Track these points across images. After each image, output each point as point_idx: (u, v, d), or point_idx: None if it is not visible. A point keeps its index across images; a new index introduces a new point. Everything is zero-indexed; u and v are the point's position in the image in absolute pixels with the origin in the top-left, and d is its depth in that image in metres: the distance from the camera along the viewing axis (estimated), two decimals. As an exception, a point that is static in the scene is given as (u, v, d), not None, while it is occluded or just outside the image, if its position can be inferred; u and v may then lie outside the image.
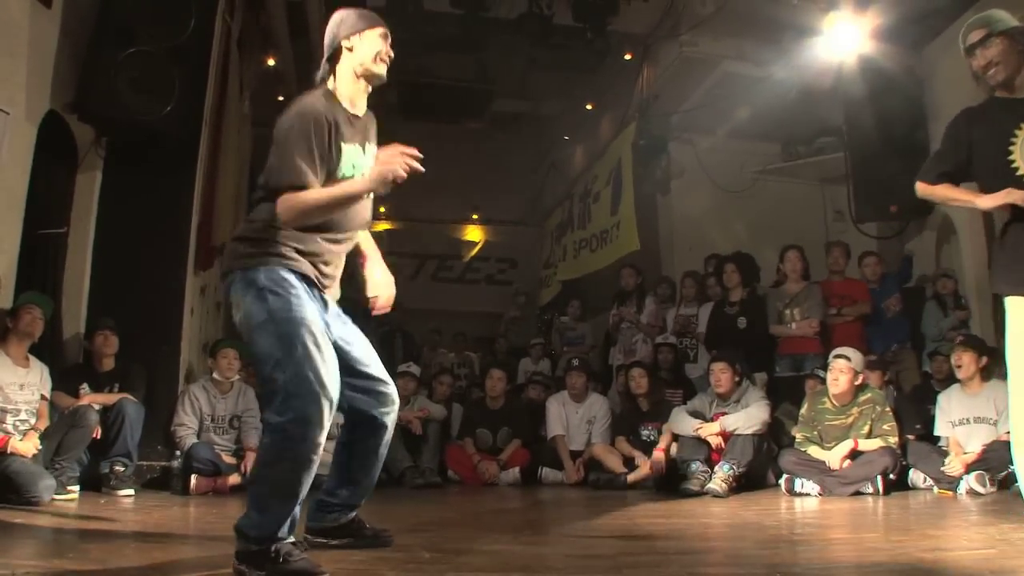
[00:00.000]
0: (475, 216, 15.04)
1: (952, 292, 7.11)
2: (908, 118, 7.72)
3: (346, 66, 3.00)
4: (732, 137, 9.92)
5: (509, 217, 15.14)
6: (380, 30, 3.03)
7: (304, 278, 2.84)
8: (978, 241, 7.30)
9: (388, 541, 3.20)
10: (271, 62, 9.59)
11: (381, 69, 3.02)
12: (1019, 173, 3.41)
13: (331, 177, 2.85)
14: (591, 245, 11.02)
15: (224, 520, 4.52)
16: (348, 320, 3.16)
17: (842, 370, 5.71)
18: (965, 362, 5.68)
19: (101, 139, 6.29)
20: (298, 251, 2.84)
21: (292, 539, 2.69)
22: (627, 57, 10.06)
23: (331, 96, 2.96)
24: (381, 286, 3.32)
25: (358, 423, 3.16)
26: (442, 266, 14.97)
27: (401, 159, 2.75)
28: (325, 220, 2.86)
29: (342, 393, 2.84)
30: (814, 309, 6.92)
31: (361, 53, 2.97)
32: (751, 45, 8.66)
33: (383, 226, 14.48)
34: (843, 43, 7.47)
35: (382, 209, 14.32)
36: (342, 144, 2.88)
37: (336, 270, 3.06)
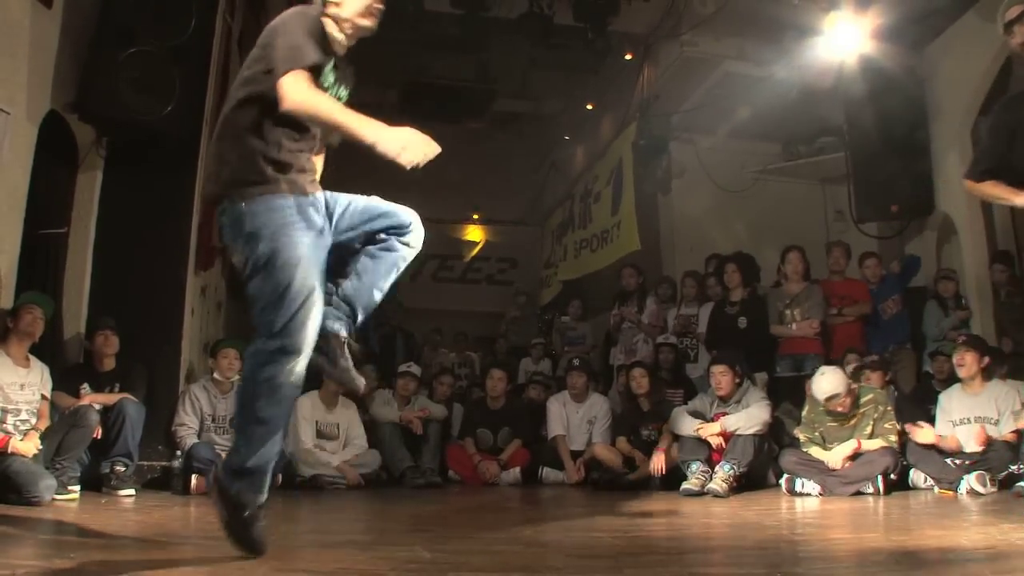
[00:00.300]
0: (476, 216, 15.04)
1: (953, 292, 7.10)
2: (909, 118, 7.73)
3: (333, 15, 2.97)
4: (733, 137, 9.93)
5: (510, 217, 15.14)
6: None
7: (293, 194, 2.84)
8: (979, 241, 7.31)
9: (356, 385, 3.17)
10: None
11: (370, 23, 3.01)
12: None
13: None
14: (592, 245, 11.02)
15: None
16: (338, 197, 3.06)
17: (840, 405, 5.70)
18: (967, 362, 5.67)
19: (102, 139, 6.29)
20: (279, 161, 2.84)
21: (263, 502, 2.80)
22: (628, 57, 10.06)
23: (317, 24, 2.93)
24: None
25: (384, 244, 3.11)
26: (443, 266, 14.96)
27: (423, 150, 2.81)
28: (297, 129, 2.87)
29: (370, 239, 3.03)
30: (815, 309, 6.92)
31: (349, 6, 2.96)
32: (752, 45, 8.66)
33: (384, 225, 14.48)
34: (844, 43, 7.47)
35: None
36: (324, 56, 2.87)
37: (315, 169, 3.02)
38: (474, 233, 15.13)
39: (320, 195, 2.97)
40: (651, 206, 10.29)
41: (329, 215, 2.96)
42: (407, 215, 3.12)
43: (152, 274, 6.45)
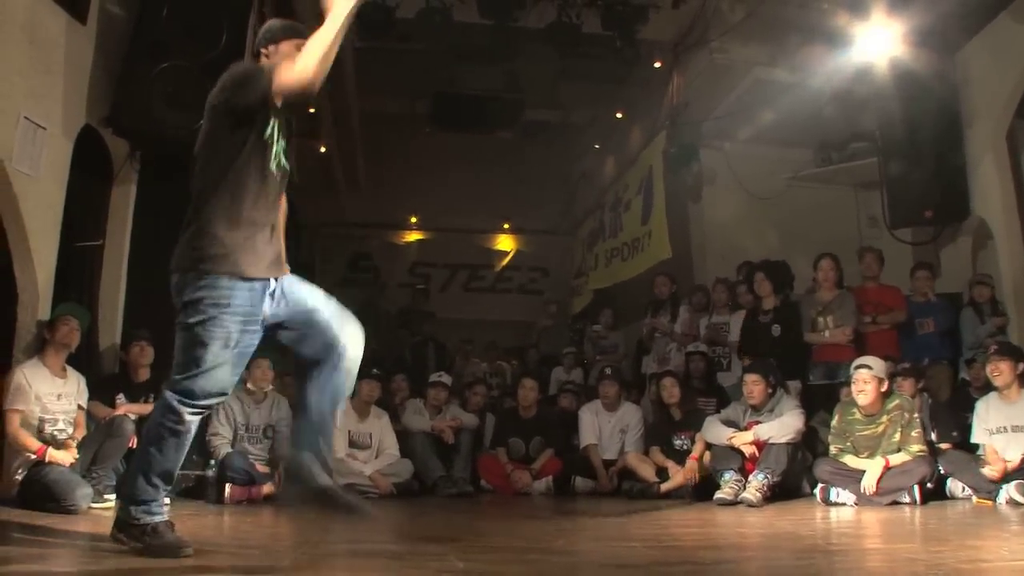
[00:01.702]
0: (506, 226, 15.06)
1: (988, 298, 6.96)
2: (942, 122, 7.62)
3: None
4: (764, 143, 9.85)
5: (540, 226, 15.15)
6: (296, 42, 3.12)
7: (240, 276, 3.01)
8: (1016, 245, 7.17)
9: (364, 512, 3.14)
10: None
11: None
12: None
13: (261, 124, 3.08)
14: (623, 254, 10.99)
15: (258, 529, 4.57)
16: (295, 282, 3.21)
17: (866, 380, 5.64)
18: (1003, 370, 5.57)
19: (135, 153, 6.39)
20: (236, 243, 3.02)
21: (166, 517, 3.05)
22: (657, 65, 10.02)
23: None
24: None
25: (317, 359, 3.17)
26: (474, 276, 14.99)
27: None
28: (253, 202, 3.09)
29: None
30: (847, 317, 6.83)
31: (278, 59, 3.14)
32: (782, 51, 8.59)
33: (415, 236, 14.56)
34: (875, 47, 7.37)
35: (414, 219, 14.41)
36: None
37: (278, 239, 3.19)
38: (505, 243, 15.15)
39: (273, 284, 3.14)
40: (682, 214, 10.24)
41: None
42: (341, 333, 3.14)
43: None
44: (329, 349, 3.11)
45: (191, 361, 3.00)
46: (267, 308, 3.08)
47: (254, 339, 3.09)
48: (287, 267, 3.21)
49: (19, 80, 5.09)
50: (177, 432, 3.06)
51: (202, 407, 3.09)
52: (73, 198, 5.69)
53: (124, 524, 3.07)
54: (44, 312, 5.39)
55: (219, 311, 2.97)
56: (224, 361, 3.01)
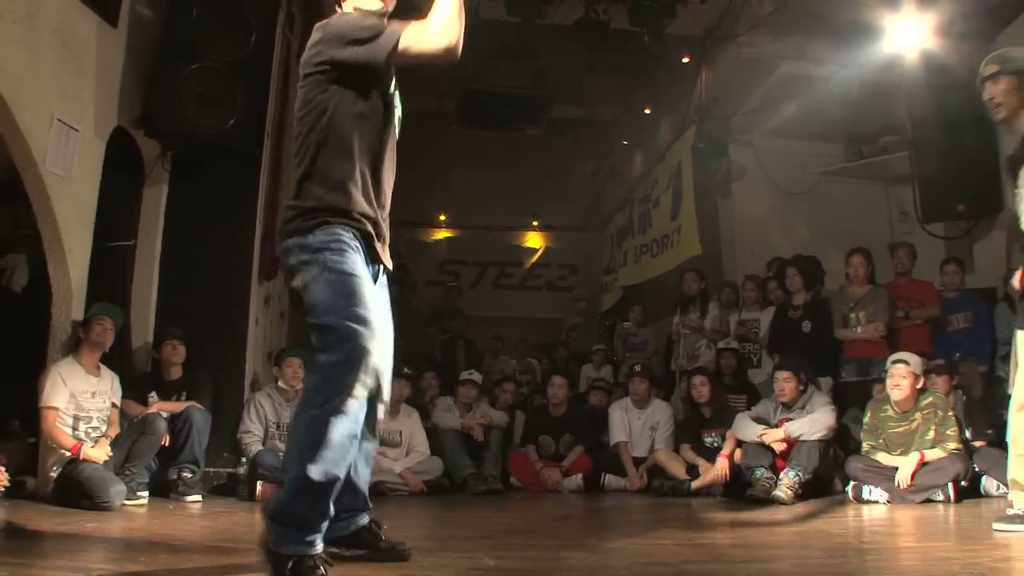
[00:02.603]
0: (535, 223, 15.04)
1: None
2: (974, 115, 7.45)
3: (351, 5, 2.93)
4: (793, 138, 9.75)
5: (569, 223, 15.12)
6: None
7: (360, 236, 2.77)
8: (1052, 240, 7.04)
9: (404, 555, 2.96)
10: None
11: (376, 4, 2.92)
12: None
13: (383, 78, 2.84)
14: (652, 250, 10.94)
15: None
16: (386, 294, 2.98)
17: (903, 375, 5.57)
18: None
19: (166, 153, 6.46)
20: (353, 212, 2.77)
21: (320, 551, 2.55)
22: (684, 60, 9.97)
23: None
24: None
25: None
26: (503, 273, 14.98)
27: None
28: (374, 151, 2.84)
29: None
30: (880, 312, 6.75)
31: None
32: (811, 44, 8.50)
33: (443, 234, 14.58)
34: (906, 39, 7.28)
35: (443, 217, 14.44)
36: None
37: (386, 232, 2.95)
38: (534, 240, 15.13)
39: (381, 276, 2.97)
40: (711, 210, 10.17)
41: None
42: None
43: (217, 284, 6.59)
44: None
45: None
46: None
47: None
48: None
49: (52, 82, 5.16)
50: None
51: None
52: (105, 199, 5.76)
53: None
54: (78, 312, 5.46)
55: None
56: None
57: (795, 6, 7.96)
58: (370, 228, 2.80)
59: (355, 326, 2.55)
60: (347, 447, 2.55)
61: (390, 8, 2.93)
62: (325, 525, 2.57)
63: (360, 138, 2.79)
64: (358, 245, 2.75)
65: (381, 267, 2.93)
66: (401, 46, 2.68)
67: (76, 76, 5.42)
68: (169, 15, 6.07)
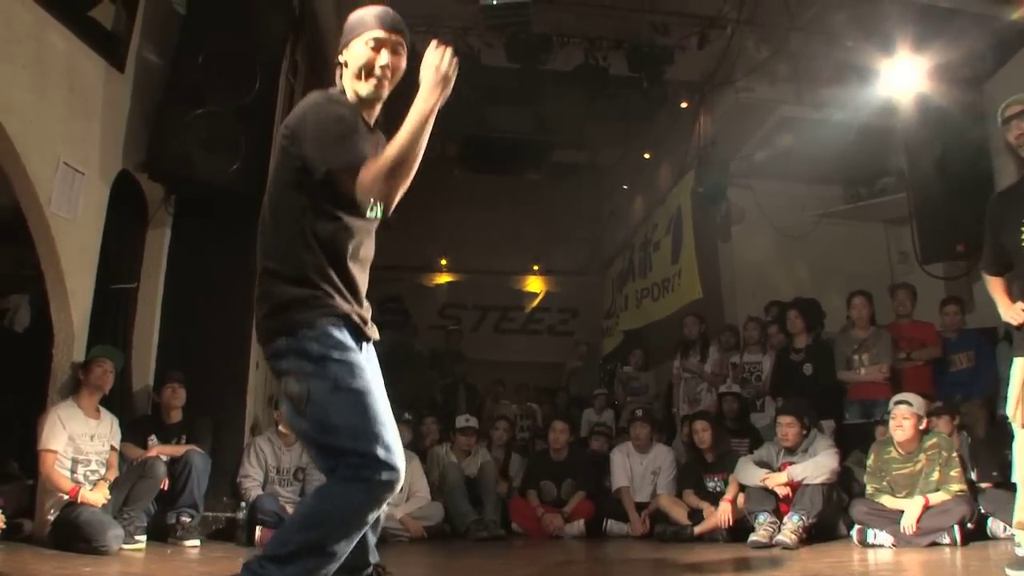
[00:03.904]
0: (536, 267, 15.09)
1: (1025, 331, 6.82)
2: (971, 155, 7.54)
3: (347, 84, 2.67)
4: (792, 180, 9.84)
5: (570, 267, 15.17)
6: (369, 35, 2.62)
7: (350, 328, 2.55)
8: (1052, 277, 7.04)
9: None
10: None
11: (365, 88, 2.62)
12: None
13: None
14: (653, 294, 10.96)
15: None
16: (376, 364, 2.73)
17: (905, 416, 5.54)
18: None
19: (170, 197, 6.50)
20: (336, 288, 2.55)
21: None
22: (683, 105, 10.08)
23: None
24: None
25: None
26: (504, 317, 14.99)
27: (440, 53, 2.49)
28: (351, 246, 2.59)
29: None
30: (883, 354, 6.75)
31: (349, 70, 2.63)
32: (808, 88, 8.63)
33: (445, 278, 14.62)
34: (901, 82, 7.38)
35: (444, 262, 14.49)
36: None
37: (366, 305, 2.72)
38: (535, 284, 15.16)
39: (369, 349, 2.70)
40: (711, 253, 10.22)
41: None
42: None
43: (218, 328, 6.58)
44: None
45: None
46: None
47: None
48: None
49: (58, 126, 5.22)
50: None
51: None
52: (109, 241, 5.80)
53: None
54: (79, 353, 5.46)
55: None
56: None
57: (791, 51, 8.09)
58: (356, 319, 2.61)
59: (377, 453, 2.36)
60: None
61: (383, 94, 2.69)
62: None
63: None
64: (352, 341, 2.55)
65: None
66: (341, 171, 2.44)
67: (82, 120, 5.49)
68: (175, 61, 6.15)
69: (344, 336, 2.52)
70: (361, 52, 2.60)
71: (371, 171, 2.38)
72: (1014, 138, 3.89)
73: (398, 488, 2.41)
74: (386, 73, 2.62)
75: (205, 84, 6.03)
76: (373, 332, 2.70)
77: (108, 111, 5.75)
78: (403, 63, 2.69)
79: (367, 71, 2.60)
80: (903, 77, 7.34)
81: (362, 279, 2.72)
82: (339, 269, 2.58)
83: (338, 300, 2.55)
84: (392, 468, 2.37)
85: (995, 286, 4.01)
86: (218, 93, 6.06)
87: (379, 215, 2.49)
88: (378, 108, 2.73)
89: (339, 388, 2.42)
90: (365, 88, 2.61)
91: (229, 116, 6.09)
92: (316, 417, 2.43)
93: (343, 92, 2.68)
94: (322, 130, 2.47)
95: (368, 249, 2.75)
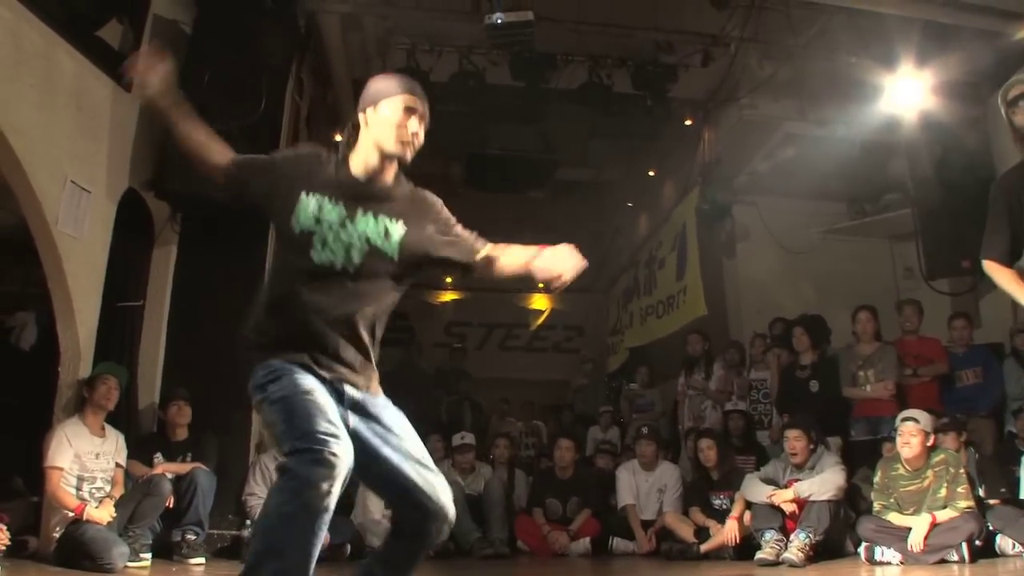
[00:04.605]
0: (541, 285, 15.06)
1: (1032, 347, 6.81)
2: (975, 170, 7.53)
3: (365, 139, 2.74)
4: (796, 197, 9.85)
5: (575, 285, 14.99)
6: (400, 99, 2.72)
7: (301, 366, 2.58)
8: (1058, 291, 7.02)
9: None
10: (339, 138, 9.85)
11: (395, 148, 2.71)
12: None
13: (279, 216, 2.69)
14: (657, 311, 10.95)
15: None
16: (386, 407, 2.74)
17: (912, 433, 5.51)
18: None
19: (176, 215, 6.54)
20: (287, 339, 2.63)
21: None
22: (687, 122, 10.10)
23: (332, 158, 2.79)
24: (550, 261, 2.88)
25: (404, 531, 2.72)
26: (509, 335, 14.98)
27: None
28: (310, 303, 2.63)
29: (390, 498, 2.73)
30: (889, 370, 6.73)
31: (374, 129, 2.72)
32: (812, 105, 8.64)
33: (450, 296, 14.63)
34: (905, 99, 7.39)
35: (449, 279, 14.50)
36: (305, 192, 2.66)
37: (346, 353, 2.65)
38: (540, 302, 15.15)
39: (354, 394, 2.67)
40: (716, 270, 10.20)
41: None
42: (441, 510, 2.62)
43: (224, 345, 6.56)
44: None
45: None
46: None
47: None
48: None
49: (66, 145, 5.26)
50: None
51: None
52: (115, 259, 5.83)
53: None
54: (85, 371, 5.47)
55: None
56: None
57: (795, 69, 8.10)
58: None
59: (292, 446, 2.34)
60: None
61: (408, 158, 2.77)
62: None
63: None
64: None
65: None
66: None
67: (90, 139, 5.53)
68: (181, 80, 6.15)
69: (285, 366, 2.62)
70: (393, 114, 2.69)
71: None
72: (1022, 119, 3.70)
73: (329, 465, 2.27)
74: (415, 140, 2.73)
75: (210, 103, 6.02)
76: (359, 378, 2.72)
77: (115, 130, 5.79)
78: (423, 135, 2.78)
79: (399, 132, 2.69)
80: (906, 93, 7.35)
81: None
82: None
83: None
84: (309, 450, 2.28)
85: (1010, 278, 3.59)
86: (223, 112, 6.07)
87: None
88: (395, 167, 2.79)
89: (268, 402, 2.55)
90: (393, 147, 2.70)
91: (235, 135, 6.06)
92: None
93: (348, 145, 2.78)
94: None
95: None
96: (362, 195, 2.70)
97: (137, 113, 6.06)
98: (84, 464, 5.14)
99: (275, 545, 2.29)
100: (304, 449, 2.28)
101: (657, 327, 10.91)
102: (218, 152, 2.92)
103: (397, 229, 2.72)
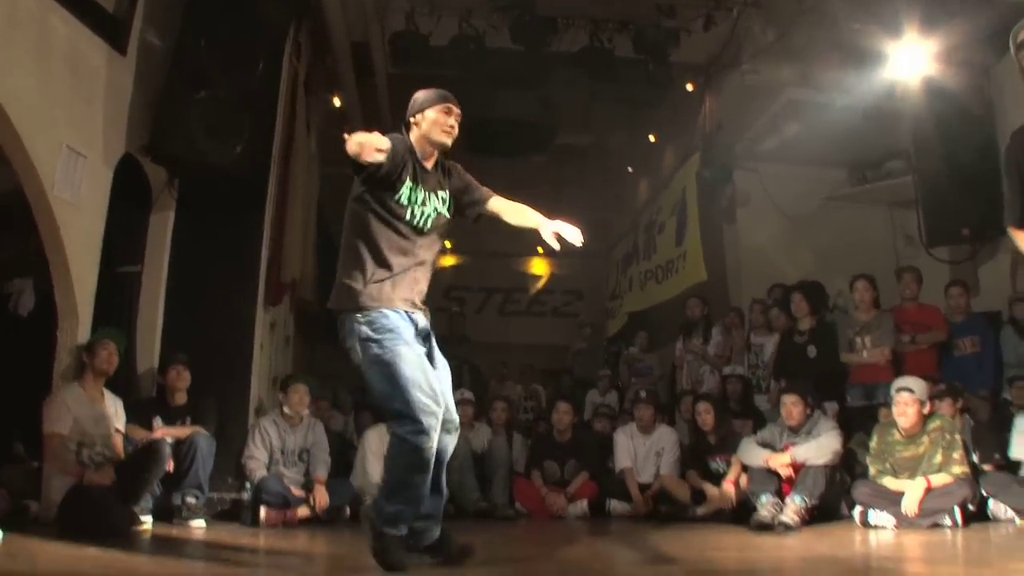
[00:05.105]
0: (540, 249, 15.07)
1: (1030, 316, 6.81)
2: (978, 139, 7.49)
3: (415, 135, 3.63)
4: (797, 164, 9.78)
5: (574, 249, 15.08)
6: (441, 106, 3.63)
7: (395, 311, 3.39)
8: (1056, 261, 7.03)
9: (470, 551, 3.68)
10: (337, 102, 9.82)
11: (441, 138, 3.63)
12: None
13: (388, 192, 3.45)
14: (657, 276, 10.95)
15: (293, 552, 4.58)
16: (434, 344, 3.63)
17: (908, 403, 5.51)
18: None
19: (174, 180, 6.51)
20: (380, 282, 3.40)
21: (403, 533, 3.32)
22: (689, 87, 10.04)
23: (409, 145, 3.58)
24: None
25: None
26: (508, 299, 15.01)
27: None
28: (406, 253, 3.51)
29: None
30: (885, 337, 6.73)
31: (424, 127, 3.61)
32: (814, 71, 8.55)
33: (450, 260, 14.62)
34: (908, 65, 7.33)
35: (448, 244, 14.48)
36: (405, 177, 3.48)
37: (412, 290, 3.54)
38: (539, 266, 15.17)
39: (422, 324, 3.60)
40: (716, 236, 10.17)
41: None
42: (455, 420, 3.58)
43: (222, 310, 6.61)
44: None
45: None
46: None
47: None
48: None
49: (61, 110, 5.23)
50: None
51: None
52: (112, 224, 5.81)
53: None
54: (84, 337, 5.48)
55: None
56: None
57: (797, 34, 8.02)
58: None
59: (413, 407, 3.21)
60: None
61: (449, 144, 3.69)
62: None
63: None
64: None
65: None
66: None
67: (85, 104, 5.49)
68: (178, 44, 6.13)
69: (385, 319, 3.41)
70: (437, 115, 3.62)
71: None
72: None
73: (429, 433, 3.21)
74: (453, 131, 3.65)
75: (208, 67, 6.02)
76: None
77: (111, 94, 5.75)
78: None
79: (443, 126, 3.62)
80: (910, 60, 7.29)
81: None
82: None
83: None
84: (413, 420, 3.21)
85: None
86: (221, 76, 6.06)
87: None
88: (438, 153, 3.71)
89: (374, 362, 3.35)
90: (440, 137, 3.62)
91: (232, 99, 6.09)
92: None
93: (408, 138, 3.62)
94: None
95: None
96: (427, 176, 3.62)
97: (133, 77, 6.02)
98: (83, 429, 5.16)
99: (402, 479, 3.28)
100: (409, 418, 3.20)
101: (657, 292, 10.91)
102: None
103: (445, 196, 3.70)
